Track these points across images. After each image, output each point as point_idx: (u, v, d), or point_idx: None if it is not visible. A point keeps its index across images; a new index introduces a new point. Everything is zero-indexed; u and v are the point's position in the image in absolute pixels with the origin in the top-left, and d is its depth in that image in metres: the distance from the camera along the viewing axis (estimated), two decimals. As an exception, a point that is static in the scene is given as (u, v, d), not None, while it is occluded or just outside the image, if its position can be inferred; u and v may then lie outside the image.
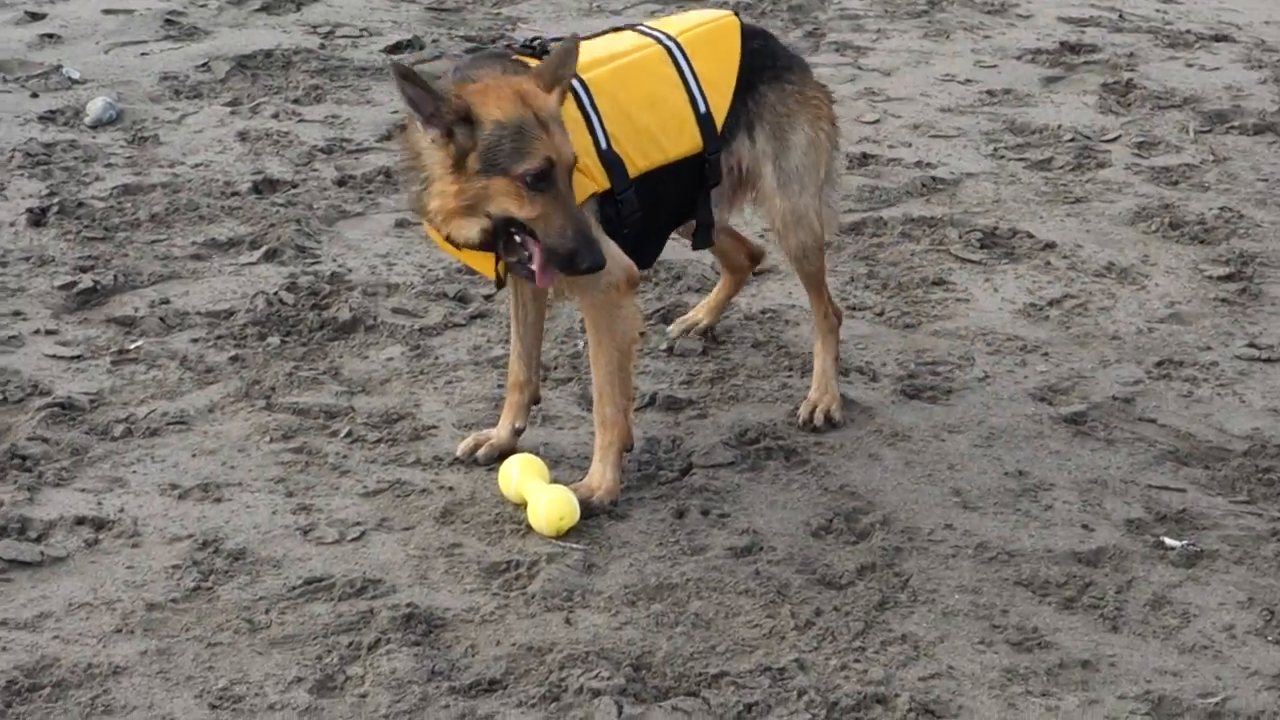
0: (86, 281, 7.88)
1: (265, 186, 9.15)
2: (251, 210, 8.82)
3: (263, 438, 6.56)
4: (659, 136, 6.24)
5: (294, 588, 5.60)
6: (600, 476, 6.12)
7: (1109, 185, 9.24)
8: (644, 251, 6.35)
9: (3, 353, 7.22)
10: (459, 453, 6.42)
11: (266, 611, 5.48)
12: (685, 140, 6.30)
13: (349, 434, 6.58)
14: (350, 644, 5.30)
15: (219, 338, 7.41)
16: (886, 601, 5.51)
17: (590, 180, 5.98)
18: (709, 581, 5.61)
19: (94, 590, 5.60)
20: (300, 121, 10.15)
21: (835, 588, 5.61)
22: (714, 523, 5.99)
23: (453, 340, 7.42)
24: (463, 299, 7.81)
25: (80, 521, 5.98)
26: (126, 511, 6.06)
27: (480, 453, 6.42)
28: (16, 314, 7.59)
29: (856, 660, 5.22)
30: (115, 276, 7.96)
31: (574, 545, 5.83)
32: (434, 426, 6.64)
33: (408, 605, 5.47)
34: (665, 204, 6.32)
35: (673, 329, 7.39)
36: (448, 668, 5.19)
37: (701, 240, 6.62)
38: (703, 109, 6.32)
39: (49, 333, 7.44)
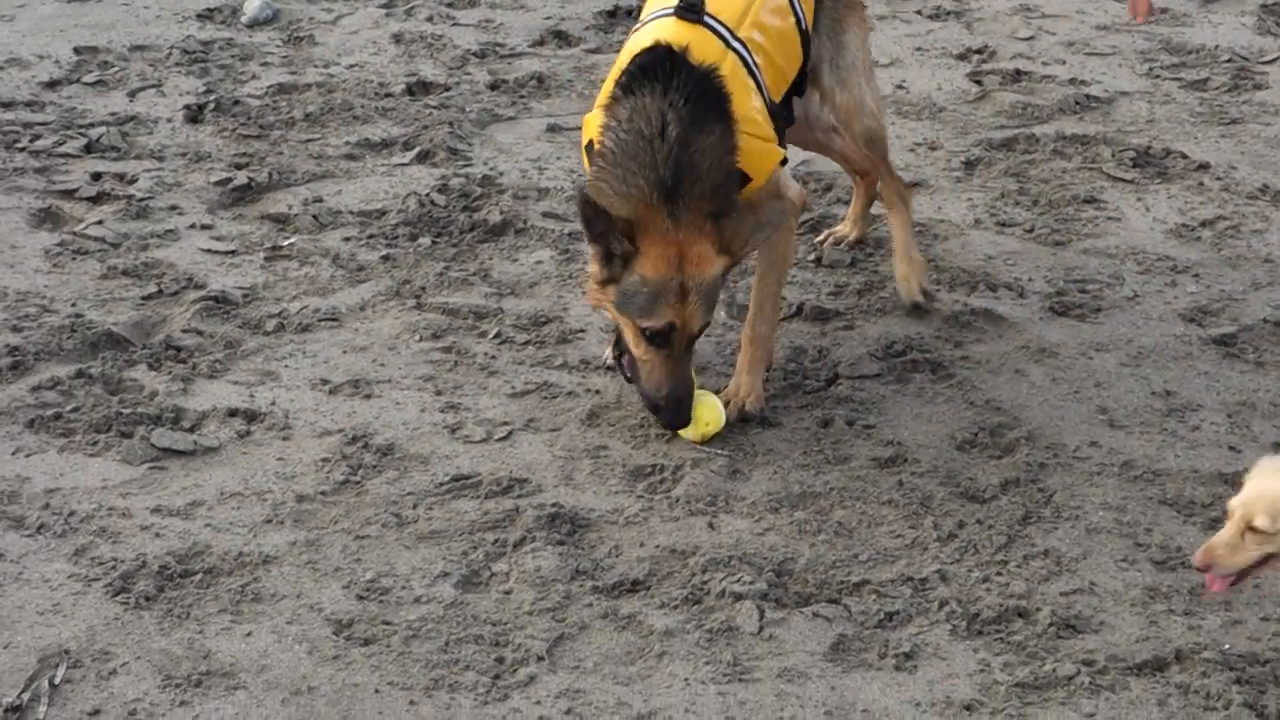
0: (241, 178, 7.97)
1: (418, 89, 9.21)
2: (405, 112, 8.88)
3: (412, 336, 6.62)
4: (785, 67, 6.30)
5: (441, 484, 5.67)
6: (749, 387, 6.14)
7: (1265, 107, 9.10)
8: None
9: (159, 246, 7.33)
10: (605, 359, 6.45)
11: (414, 507, 5.55)
12: (795, 59, 6.37)
13: (498, 335, 6.64)
14: (496, 541, 5.36)
15: (371, 237, 7.48)
16: (1030, 516, 5.49)
17: (769, 142, 6.05)
18: (852, 491, 5.63)
19: (245, 481, 5.69)
20: (454, 25, 10.19)
21: (978, 501, 5.61)
22: (859, 433, 5.99)
23: (601, 245, 7.44)
24: (612, 205, 7.83)
25: (233, 413, 6.07)
26: (278, 405, 6.15)
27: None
28: (173, 208, 7.69)
29: (998, 573, 5.22)
30: (270, 174, 8.05)
31: (719, 451, 5.85)
32: (581, 330, 6.68)
33: (553, 505, 5.52)
34: (783, 120, 6.37)
35: (823, 241, 7.41)
36: (591, 567, 5.24)
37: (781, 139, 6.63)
38: (804, 26, 6.37)
39: (204, 227, 7.54)
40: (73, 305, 6.78)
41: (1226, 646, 4.88)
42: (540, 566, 5.22)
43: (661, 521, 5.45)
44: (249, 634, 4.91)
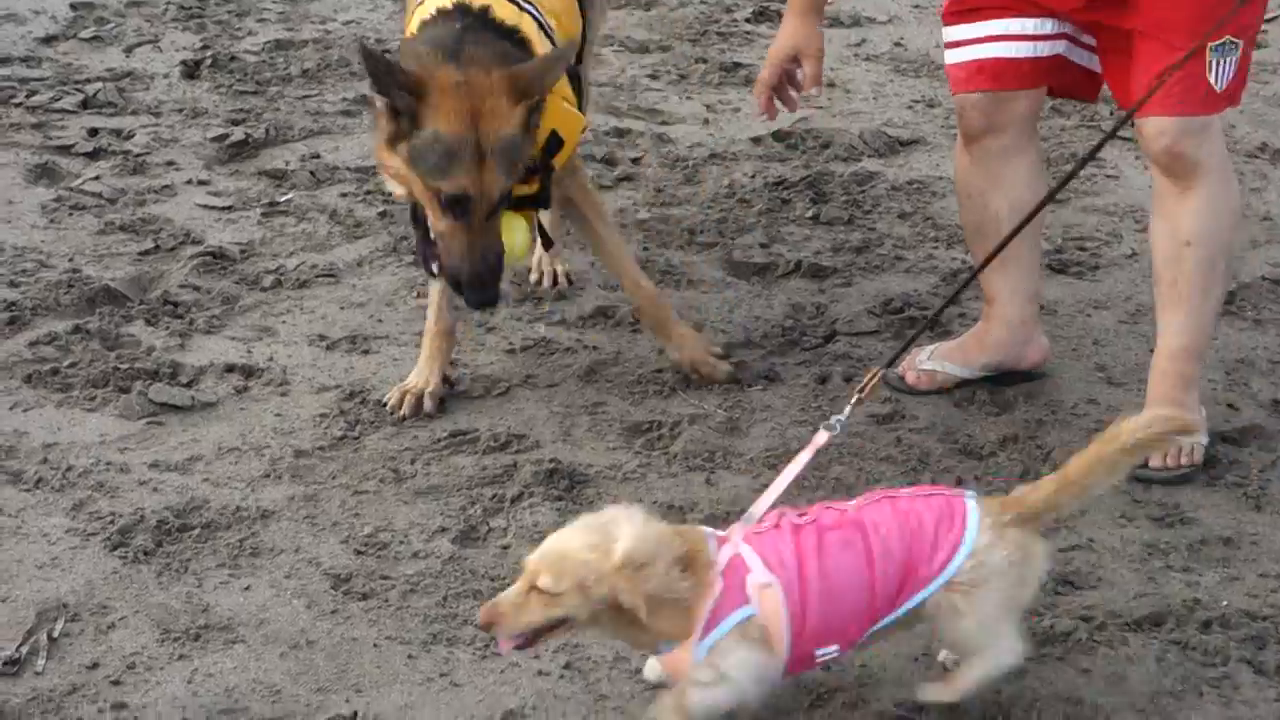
0: (238, 134, 7.96)
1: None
2: (402, 68, 8.84)
3: (410, 293, 6.62)
4: (571, 30, 6.03)
5: (439, 440, 5.67)
6: (693, 343, 6.08)
7: (1264, 66, 9.09)
8: None
9: (157, 201, 7.32)
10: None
11: (412, 462, 5.54)
12: (577, 24, 6.15)
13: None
14: (493, 496, 5.35)
15: (368, 193, 7.47)
16: (1028, 473, 5.47)
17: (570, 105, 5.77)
18: (850, 447, 5.62)
19: (243, 436, 5.69)
20: (451, -19, 10.14)
21: (977, 458, 5.61)
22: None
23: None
24: (610, 161, 7.83)
25: (230, 369, 6.07)
26: (275, 360, 6.14)
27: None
28: (170, 164, 7.68)
29: (996, 529, 5.21)
30: (266, 130, 8.03)
31: (717, 407, 5.85)
32: (580, 287, 6.67)
33: (551, 460, 5.52)
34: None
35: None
36: (589, 523, 5.23)
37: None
38: None
39: (201, 183, 7.53)
40: (70, 261, 6.77)
41: (1225, 603, 4.88)
42: (538, 522, 5.22)
43: (659, 478, 5.45)
44: (247, 588, 4.91)
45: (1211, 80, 5.22)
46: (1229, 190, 5.42)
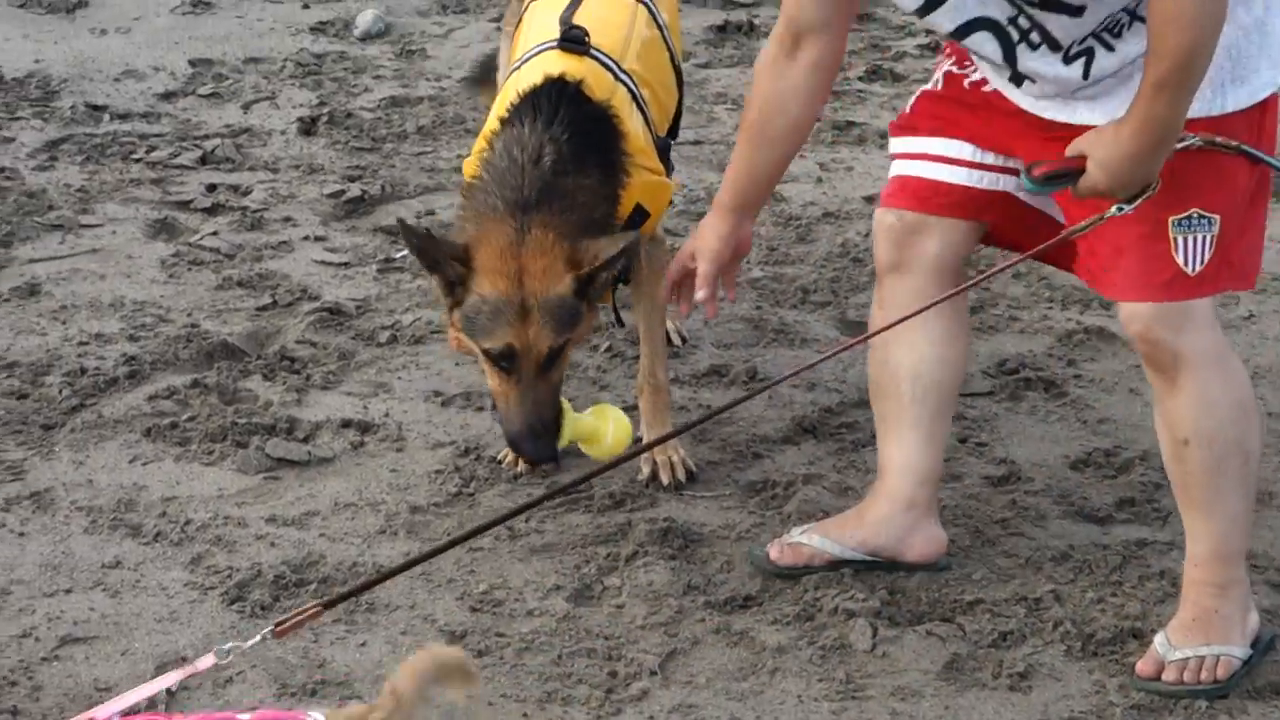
0: (354, 190, 8.03)
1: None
2: (516, 126, 8.89)
3: (524, 350, 6.63)
4: (665, 100, 6.02)
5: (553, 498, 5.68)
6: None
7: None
8: None
9: (274, 257, 7.38)
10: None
11: (526, 520, 5.56)
12: (673, 97, 6.12)
13: (609, 349, 6.65)
14: (608, 555, 5.36)
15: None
16: (1145, 538, 5.45)
17: (658, 176, 5.73)
18: (965, 509, 5.60)
19: (359, 491, 5.73)
20: (565, 39, 10.21)
21: (1093, 521, 5.57)
22: (971, 450, 5.97)
23: (712, 260, 7.43)
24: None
25: (346, 424, 6.11)
26: (391, 416, 6.18)
27: None
28: (287, 219, 7.75)
29: (1113, 594, 5.17)
30: (382, 186, 8.10)
31: (830, 469, 5.85)
32: (695, 346, 6.68)
33: (665, 519, 5.52)
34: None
35: None
36: (703, 582, 5.23)
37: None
38: (676, 60, 6.13)
39: (318, 239, 7.60)
40: (189, 315, 6.84)
41: (1346, 671, 4.83)
42: (652, 581, 5.23)
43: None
44: (363, 644, 4.94)
45: (1180, 262, 4.50)
46: (1227, 381, 4.64)
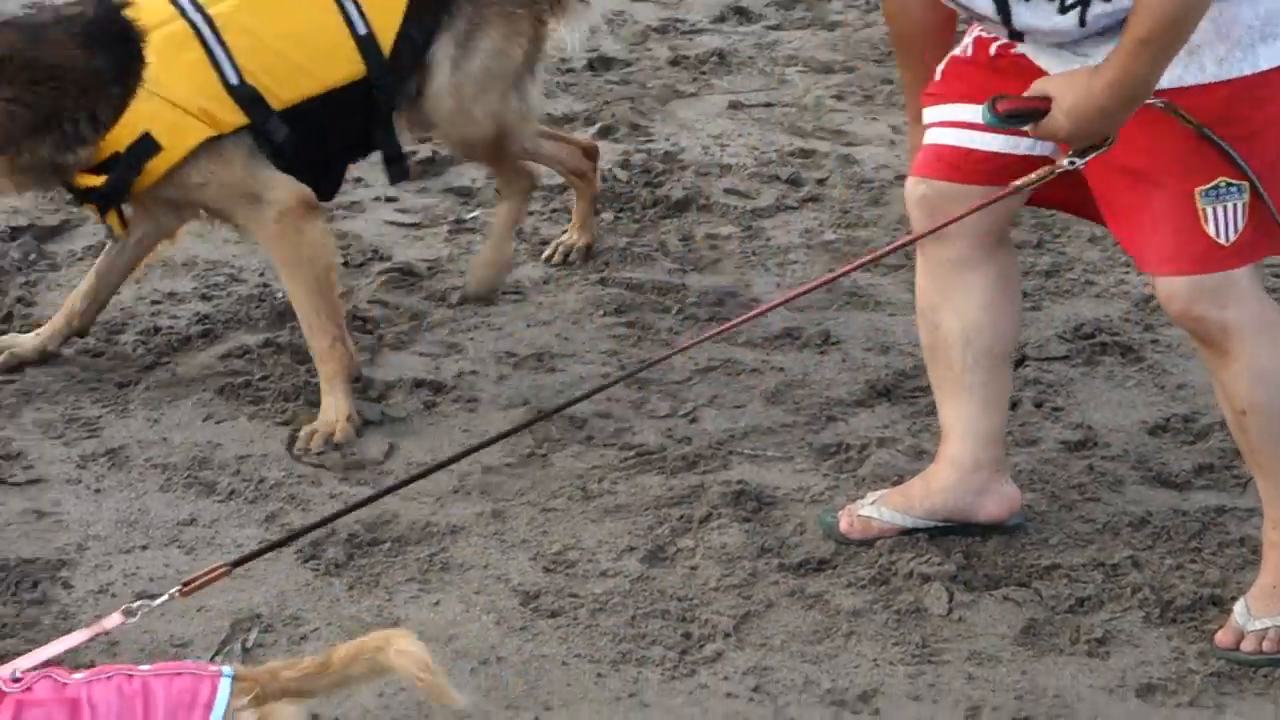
0: (425, 151, 8.00)
1: (600, 64, 9.21)
2: (586, 87, 8.89)
3: (596, 311, 6.63)
4: (308, 65, 5.88)
5: (626, 459, 5.67)
6: (333, 410, 5.82)
7: None
8: (323, 183, 6.06)
9: (345, 218, 7.38)
10: None
11: (599, 481, 5.55)
12: (342, 66, 5.94)
13: (680, 311, 6.62)
14: (681, 517, 5.34)
15: (554, 211, 7.49)
16: (1224, 505, 5.40)
17: (218, 120, 5.68)
18: (1041, 474, 5.56)
19: (431, 451, 5.72)
20: (635, 1, 10.17)
21: (1171, 487, 5.52)
22: (1047, 415, 5.93)
23: (784, 223, 7.41)
24: (795, 182, 7.80)
25: (419, 384, 6.11)
26: (463, 377, 6.17)
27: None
28: (358, 180, 7.73)
29: (1192, 561, 5.12)
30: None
31: (905, 433, 5.81)
32: (766, 307, 6.65)
33: (738, 481, 5.50)
34: (337, 133, 6.02)
35: (551, 255, 7.09)
36: (777, 545, 5.21)
37: (395, 174, 6.38)
38: (362, 30, 5.93)
39: (389, 200, 7.59)
40: (260, 275, 6.85)
41: None
42: (726, 543, 5.21)
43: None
44: (437, 603, 4.94)
45: (1211, 233, 4.37)
46: (1277, 348, 4.52)
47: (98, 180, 5.69)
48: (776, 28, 9.86)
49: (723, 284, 6.83)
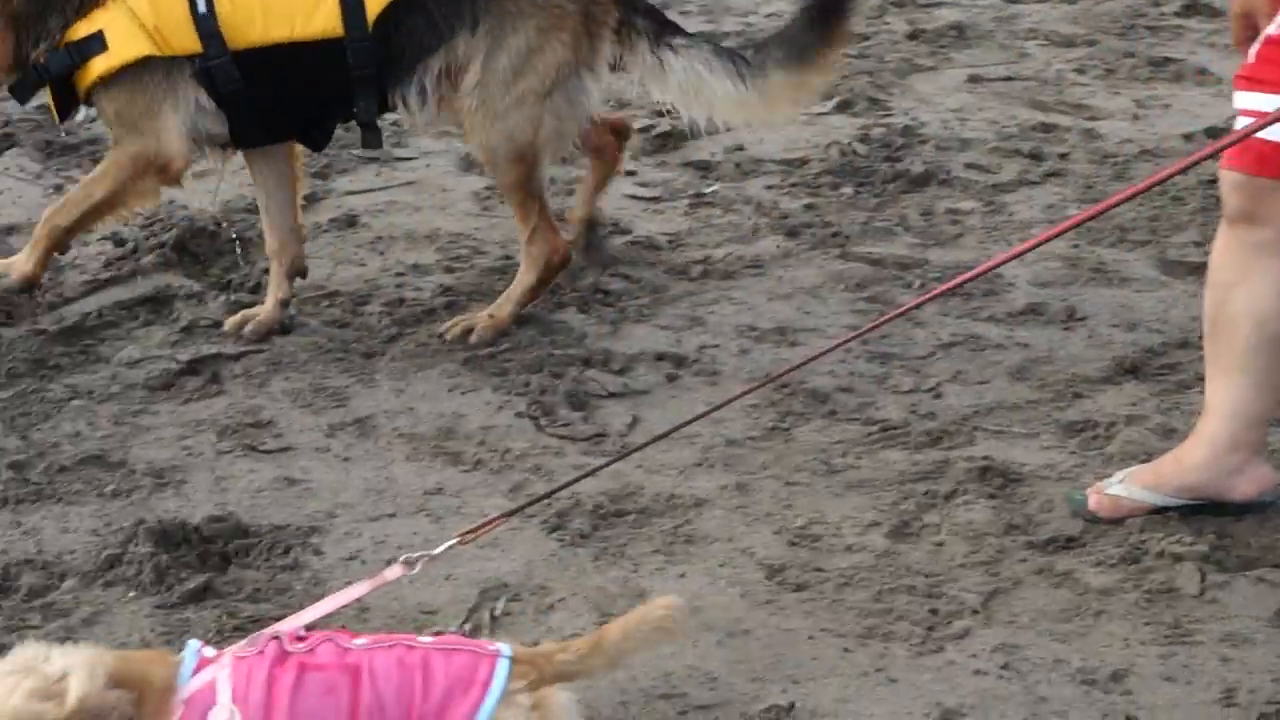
0: (664, 125, 8.03)
1: (837, 38, 9.16)
2: (826, 61, 8.84)
3: (837, 285, 6.60)
4: (282, 11, 5.94)
5: (870, 434, 5.64)
6: (20, 258, 6.33)
7: None
8: (252, 130, 6.19)
9: (586, 192, 7.41)
10: (227, 327, 6.36)
11: (843, 455, 5.52)
12: (318, 20, 5.94)
13: (922, 286, 6.57)
14: (926, 492, 5.30)
15: (793, 185, 7.48)
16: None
17: (169, 43, 5.90)
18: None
19: (674, 424, 5.70)
20: (871, -26, 10.13)
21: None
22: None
23: (1026, 198, 7.34)
24: (1036, 156, 7.71)
25: (660, 357, 6.12)
26: (705, 350, 6.17)
27: (247, 329, 6.32)
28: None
29: None
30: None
31: (1154, 410, 5.71)
32: (1010, 283, 6.58)
33: (984, 458, 5.44)
34: (296, 86, 6.06)
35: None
36: (1024, 522, 5.14)
37: (367, 140, 6.37)
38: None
39: (628, 174, 7.62)
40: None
41: None
42: (972, 519, 5.15)
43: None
44: (682, 575, 4.94)
45: None
46: None
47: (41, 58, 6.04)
48: (1015, 1, 9.74)
49: (964, 259, 6.77)
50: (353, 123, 6.34)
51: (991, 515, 5.16)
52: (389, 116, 6.52)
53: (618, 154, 6.81)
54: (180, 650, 3.47)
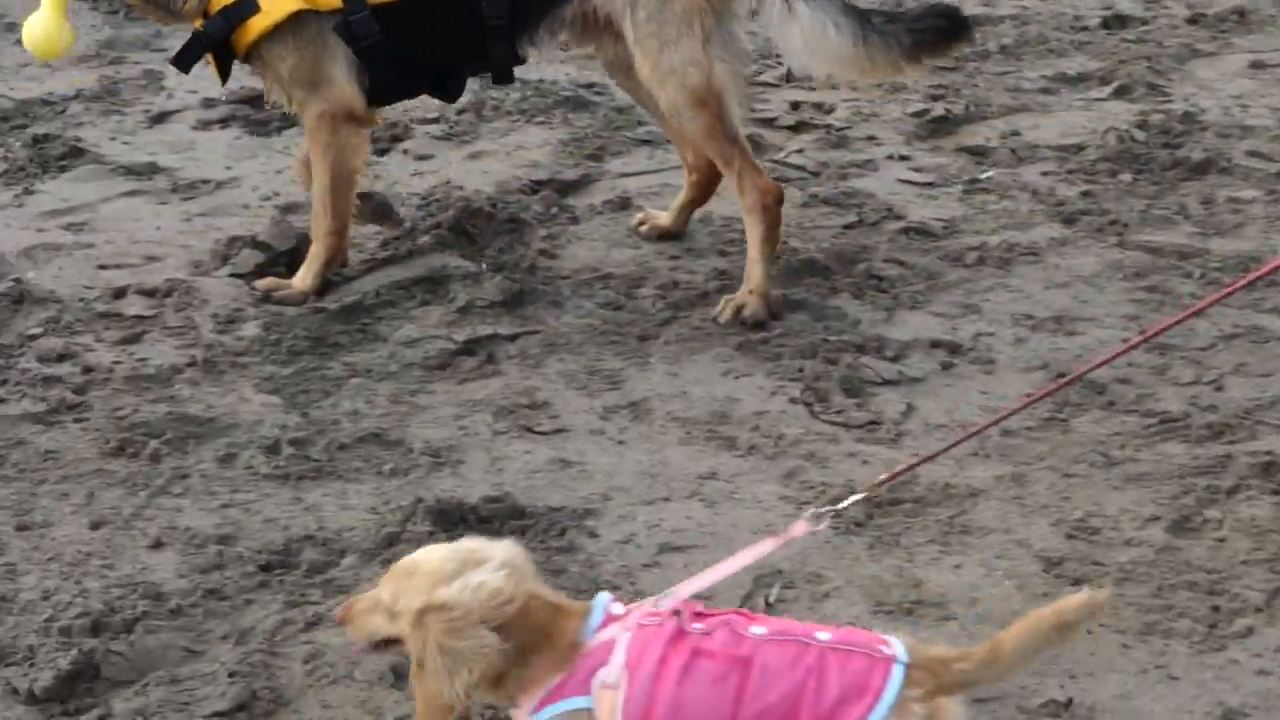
0: (938, 110, 7.97)
1: (1114, 22, 9.05)
2: (1101, 46, 8.73)
3: (1115, 274, 6.50)
4: None
5: (1148, 426, 5.54)
6: (300, 277, 6.51)
7: None
8: (390, 83, 6.45)
9: (859, 175, 7.39)
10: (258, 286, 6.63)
11: (1121, 447, 5.44)
12: None
13: (1202, 275, 6.45)
14: (1207, 487, 5.20)
15: (1069, 172, 7.38)
16: None
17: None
18: None
19: (949, 412, 5.69)
20: (1151, -44, 9.95)
21: None
22: None
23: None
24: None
25: (935, 344, 6.07)
26: (980, 338, 6.11)
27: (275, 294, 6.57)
28: (871, 138, 7.75)
29: None
30: (966, 106, 8.02)
31: None
32: (1294, 274, 6.43)
33: (1267, 453, 5.33)
34: (433, 38, 6.34)
35: (638, 225, 7.02)
36: (1312, 520, 5.04)
37: (499, 77, 6.65)
38: None
39: (902, 158, 7.58)
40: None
41: None
42: (1255, 515, 5.05)
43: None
44: (958, 565, 4.90)
45: None
46: None
47: (200, 24, 6.35)
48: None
49: (1246, 249, 6.63)
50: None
51: (1275, 512, 5.06)
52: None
53: (705, 184, 6.87)
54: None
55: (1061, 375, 5.79)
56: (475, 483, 5.32)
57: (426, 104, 8.12)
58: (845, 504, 3.84)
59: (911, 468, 4.08)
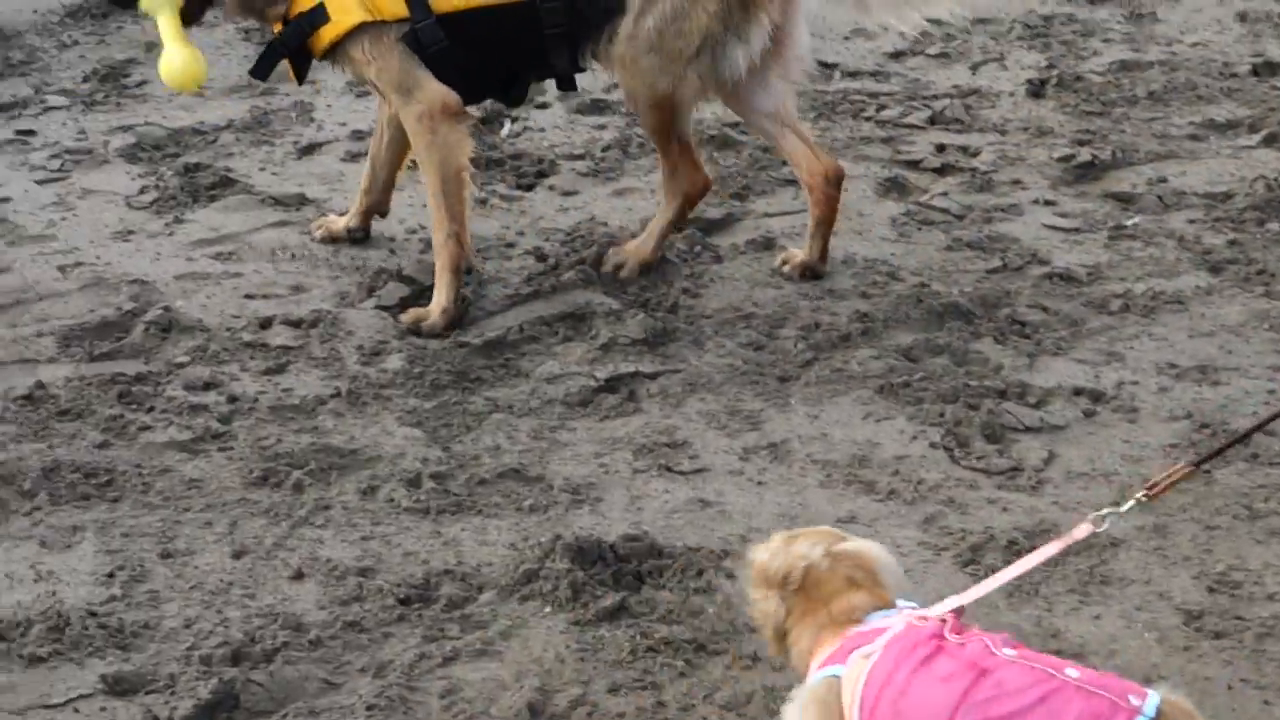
0: (1084, 155, 7.93)
1: (1264, 69, 8.97)
2: (1251, 93, 8.66)
3: (1261, 324, 6.44)
4: None
5: (1294, 478, 5.50)
6: (435, 301, 6.58)
7: None
8: (471, 87, 6.60)
9: (1003, 219, 7.36)
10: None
11: (1265, 500, 5.38)
12: None
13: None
14: (1356, 543, 5.14)
15: (1216, 220, 7.31)
16: None
17: (379, 8, 6.36)
18: None
19: (1091, 460, 5.65)
20: (1306, 2, 9.87)
21: None
22: None
23: None
24: None
25: (1078, 392, 6.03)
26: (1123, 386, 6.07)
27: (318, 233, 7.26)
28: (1016, 183, 7.72)
29: None
30: (1112, 152, 7.97)
31: None
32: None
33: None
34: (496, 46, 6.51)
35: (780, 265, 7.03)
36: None
37: (563, 85, 6.96)
38: None
39: (1047, 203, 7.54)
40: (918, 275, 6.88)
41: None
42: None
43: None
44: (1097, 616, 4.87)
45: None
46: None
47: (278, 30, 6.60)
48: None
49: (1393, 300, 6.55)
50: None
51: None
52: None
53: (826, 196, 6.87)
54: None
55: (1206, 426, 5.75)
56: (614, 521, 5.34)
57: (573, 141, 8.19)
58: (1126, 507, 3.98)
59: (1192, 470, 4.11)
